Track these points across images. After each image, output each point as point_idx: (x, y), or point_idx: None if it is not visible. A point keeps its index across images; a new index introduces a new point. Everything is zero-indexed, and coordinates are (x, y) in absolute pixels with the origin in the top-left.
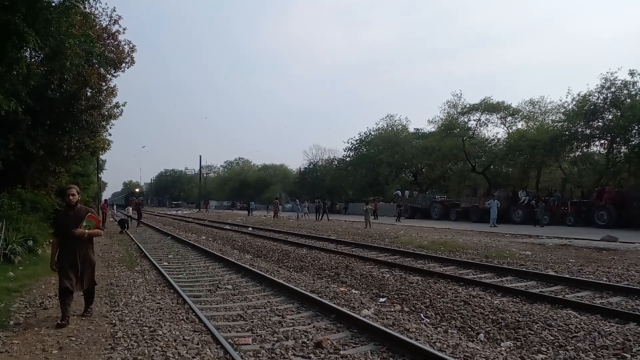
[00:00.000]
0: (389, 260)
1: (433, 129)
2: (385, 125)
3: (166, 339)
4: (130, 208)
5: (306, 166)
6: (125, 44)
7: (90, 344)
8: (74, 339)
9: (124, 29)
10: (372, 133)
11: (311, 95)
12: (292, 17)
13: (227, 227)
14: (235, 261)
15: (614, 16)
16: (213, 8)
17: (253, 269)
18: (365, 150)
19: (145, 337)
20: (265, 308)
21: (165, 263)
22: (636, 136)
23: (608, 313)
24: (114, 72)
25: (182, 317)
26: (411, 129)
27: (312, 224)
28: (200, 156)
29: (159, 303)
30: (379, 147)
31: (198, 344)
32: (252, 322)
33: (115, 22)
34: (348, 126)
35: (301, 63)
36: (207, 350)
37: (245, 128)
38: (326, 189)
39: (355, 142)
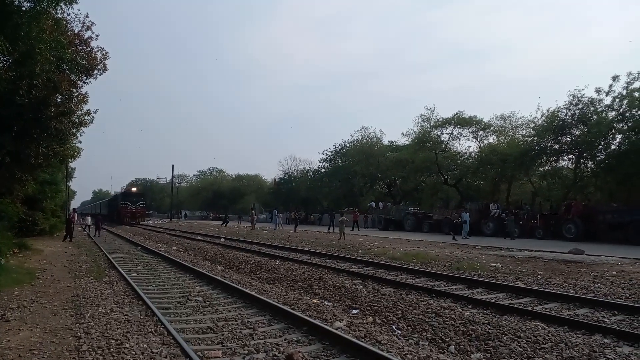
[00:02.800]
0: (363, 272)
1: (407, 142)
2: (360, 137)
3: (133, 352)
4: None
5: (281, 177)
6: (98, 51)
7: (54, 358)
8: (36, 352)
9: (97, 36)
10: (347, 145)
11: (288, 106)
12: (273, 27)
13: (199, 237)
14: (207, 272)
15: (582, 34)
16: (197, 13)
17: (224, 281)
18: (340, 161)
19: (112, 350)
20: (236, 320)
21: (135, 274)
22: (602, 152)
23: (575, 325)
24: (86, 79)
25: (150, 330)
26: (385, 142)
27: (286, 235)
28: (173, 165)
29: (127, 315)
30: (353, 158)
31: (166, 357)
32: (223, 334)
33: (88, 28)
34: (323, 137)
35: (279, 73)
36: None
37: (220, 137)
38: (301, 200)
39: (330, 154)
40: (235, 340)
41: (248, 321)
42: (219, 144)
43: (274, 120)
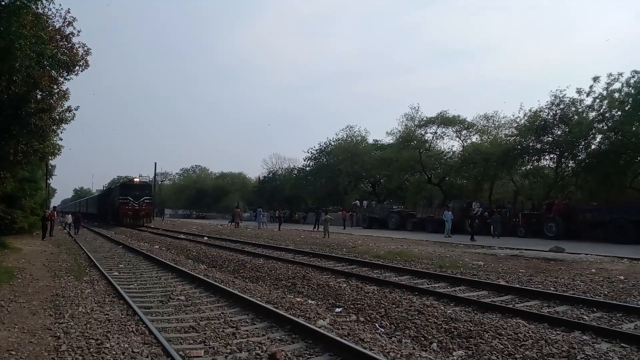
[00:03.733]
0: (346, 270)
1: (391, 141)
2: (345, 136)
3: (114, 352)
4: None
5: (265, 175)
6: (79, 47)
7: (32, 359)
8: (13, 352)
9: (79, 31)
10: (332, 143)
11: (273, 104)
12: (259, 25)
13: (182, 236)
14: (189, 271)
15: (565, 37)
16: (183, 10)
17: (207, 280)
18: (325, 160)
19: (92, 350)
20: (219, 319)
21: (116, 273)
22: (583, 151)
23: (555, 322)
24: (67, 75)
25: (131, 329)
26: (370, 140)
27: (270, 234)
28: (155, 163)
29: (108, 314)
30: (338, 157)
31: (147, 357)
32: (205, 333)
33: (70, 23)
34: (308, 135)
35: (265, 72)
36: None
37: (204, 135)
38: (285, 198)
39: (315, 152)
40: (218, 339)
41: (231, 320)
42: (203, 142)
43: (259, 118)
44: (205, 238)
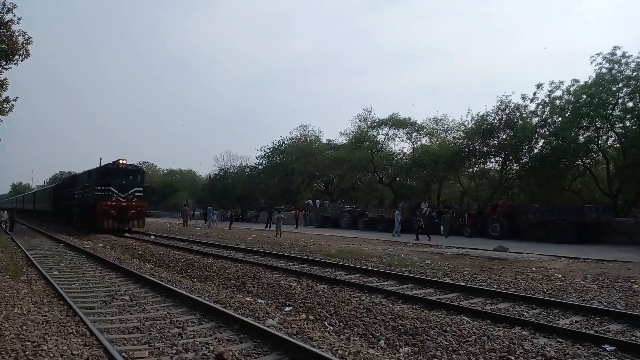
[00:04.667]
0: (297, 269)
1: (344, 141)
2: (298, 135)
3: (51, 355)
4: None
5: (216, 173)
6: (19, 35)
7: None
8: None
9: (19, 19)
10: (286, 142)
11: (227, 100)
12: (217, 20)
13: (127, 234)
14: (134, 270)
15: (510, 43)
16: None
17: (153, 279)
18: (278, 158)
19: (27, 353)
20: (164, 320)
21: (56, 272)
22: (526, 155)
23: (497, 318)
24: (5, 64)
25: (71, 331)
26: (324, 140)
27: (220, 233)
28: (101, 158)
29: (46, 315)
30: (292, 156)
31: (88, 359)
32: (150, 334)
33: (9, 10)
34: (263, 133)
35: (222, 67)
36: None
37: (156, 130)
38: (237, 197)
39: (268, 150)
40: (163, 339)
41: (177, 320)
42: (154, 137)
43: (214, 114)
44: (152, 237)
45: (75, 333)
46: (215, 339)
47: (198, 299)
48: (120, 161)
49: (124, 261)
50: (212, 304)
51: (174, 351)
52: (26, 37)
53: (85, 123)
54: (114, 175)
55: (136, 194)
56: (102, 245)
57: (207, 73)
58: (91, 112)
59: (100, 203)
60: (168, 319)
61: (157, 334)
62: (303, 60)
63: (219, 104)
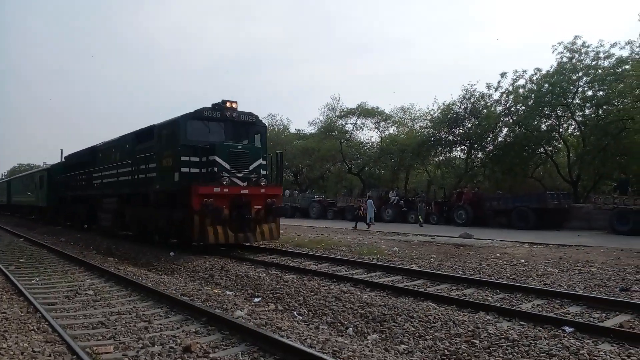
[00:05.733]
0: (266, 260)
1: (313, 131)
2: (267, 125)
3: (11, 353)
4: None
5: None
6: None
7: None
8: None
9: None
10: None
11: (192, 90)
12: (172, 6)
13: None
14: (99, 265)
15: (478, 33)
16: None
17: (118, 273)
18: None
19: None
20: (130, 314)
21: (14, 267)
22: (490, 143)
23: (462, 304)
24: None
25: (32, 327)
26: (292, 130)
27: None
28: (62, 150)
29: (5, 312)
30: None
31: (50, 356)
32: (115, 329)
33: None
34: None
35: (183, 56)
36: None
37: (114, 122)
38: None
39: None
40: (129, 334)
41: (143, 314)
42: (113, 129)
43: (175, 104)
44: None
45: (36, 330)
46: (182, 331)
47: (164, 292)
48: (228, 104)
49: (87, 255)
50: (179, 297)
51: (140, 345)
52: None
53: (42, 112)
54: (216, 132)
55: (261, 171)
56: (64, 239)
57: (166, 63)
58: (44, 101)
59: (198, 191)
60: (134, 313)
61: (122, 329)
62: (270, 48)
63: (179, 93)
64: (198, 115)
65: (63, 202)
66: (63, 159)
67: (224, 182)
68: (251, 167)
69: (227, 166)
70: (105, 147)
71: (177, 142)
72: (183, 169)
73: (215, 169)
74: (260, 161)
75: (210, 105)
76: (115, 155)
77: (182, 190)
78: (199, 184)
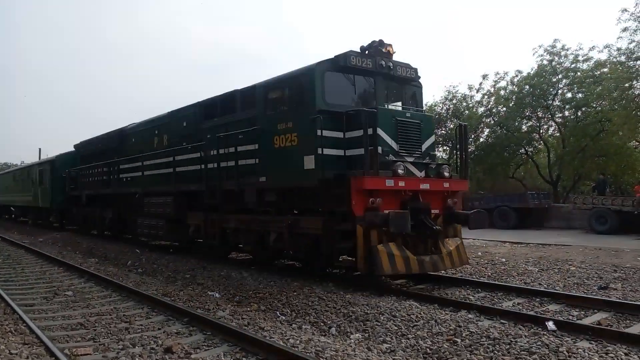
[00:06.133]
0: (250, 259)
1: None
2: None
3: None
4: None
5: None
6: None
7: None
8: None
9: None
10: None
11: (177, 87)
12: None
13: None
14: (78, 265)
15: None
16: None
17: (98, 274)
18: None
19: None
20: (110, 315)
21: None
22: (472, 144)
23: (444, 302)
24: None
25: (9, 329)
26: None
27: None
28: (40, 149)
29: None
30: None
31: (27, 358)
32: (95, 330)
33: None
34: None
35: (170, 52)
36: None
37: (93, 120)
38: None
39: None
40: (109, 335)
41: (124, 315)
42: (92, 127)
43: (157, 100)
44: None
45: (13, 332)
46: (163, 332)
47: (146, 292)
48: (384, 49)
49: (67, 256)
50: (160, 298)
51: (121, 346)
52: None
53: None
54: (365, 93)
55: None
56: (42, 239)
57: (152, 59)
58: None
59: (363, 184)
60: (114, 314)
61: (102, 330)
62: (251, 47)
63: (164, 89)
64: (341, 65)
65: (71, 202)
66: (73, 148)
67: (400, 171)
68: (424, 148)
69: (395, 146)
70: (141, 130)
71: (307, 106)
72: (325, 151)
73: (380, 150)
74: (433, 138)
75: (357, 50)
76: (161, 139)
77: (325, 184)
78: (362, 174)
